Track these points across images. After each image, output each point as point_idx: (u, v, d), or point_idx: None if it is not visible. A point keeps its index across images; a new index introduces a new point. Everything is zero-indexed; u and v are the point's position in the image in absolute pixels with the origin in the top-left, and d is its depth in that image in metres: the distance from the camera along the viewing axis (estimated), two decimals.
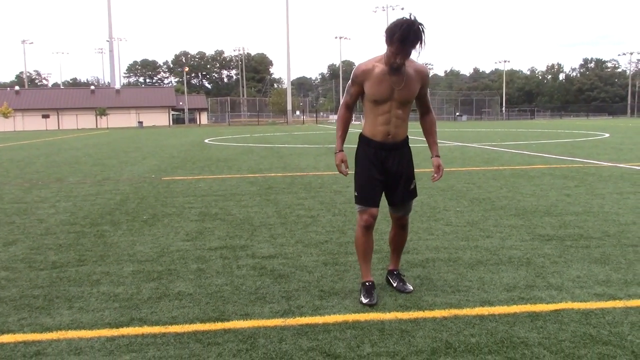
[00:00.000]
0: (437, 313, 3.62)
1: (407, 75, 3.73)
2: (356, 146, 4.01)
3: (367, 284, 3.92)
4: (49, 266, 4.87)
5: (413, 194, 4.07)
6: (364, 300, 3.80)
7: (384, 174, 3.92)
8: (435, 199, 7.94)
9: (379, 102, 3.78)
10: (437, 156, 4.05)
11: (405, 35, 3.50)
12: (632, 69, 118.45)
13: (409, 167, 3.99)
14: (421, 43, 3.56)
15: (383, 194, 4.03)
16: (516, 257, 4.89)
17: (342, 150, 3.94)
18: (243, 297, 3.99)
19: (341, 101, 4.01)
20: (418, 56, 3.65)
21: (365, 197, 3.90)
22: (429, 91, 4.02)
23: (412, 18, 3.52)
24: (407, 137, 3.97)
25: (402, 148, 3.94)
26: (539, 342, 3.16)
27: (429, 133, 4.09)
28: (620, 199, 7.74)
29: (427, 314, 3.62)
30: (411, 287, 4.11)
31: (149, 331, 3.41)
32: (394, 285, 4.16)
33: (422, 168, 10.52)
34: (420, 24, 3.52)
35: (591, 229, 5.89)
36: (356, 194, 3.94)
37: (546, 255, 4.92)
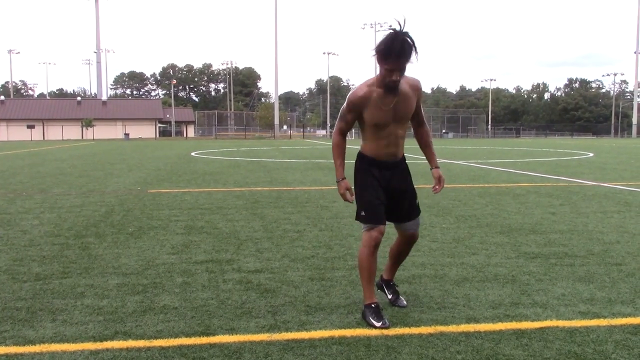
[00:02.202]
0: (423, 329, 3.62)
1: (403, 92, 3.72)
2: (354, 163, 3.99)
3: (373, 305, 3.75)
4: (33, 278, 4.82)
5: (418, 209, 4.10)
6: (377, 324, 3.64)
7: (389, 192, 3.91)
8: (422, 215, 7.94)
9: (381, 126, 3.77)
10: (437, 167, 4.08)
11: (398, 48, 3.45)
12: (616, 89, 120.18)
13: (411, 183, 4.05)
14: (415, 52, 3.53)
15: (391, 214, 4.01)
16: (502, 274, 4.91)
17: (345, 178, 3.88)
18: (229, 311, 3.97)
19: (335, 126, 3.92)
20: (415, 61, 3.59)
21: (374, 214, 3.81)
22: (423, 107, 4.02)
23: (400, 29, 3.49)
24: (404, 153, 4.02)
25: (402, 164, 3.99)
26: None
27: (426, 145, 4.11)
28: (604, 217, 7.81)
29: (413, 330, 3.62)
30: (405, 302, 4.13)
31: (133, 345, 3.38)
32: (389, 297, 4.18)
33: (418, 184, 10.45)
34: (408, 34, 3.50)
35: (576, 247, 5.93)
36: (363, 213, 3.83)
37: (531, 273, 4.95)
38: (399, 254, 4.22)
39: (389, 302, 4.18)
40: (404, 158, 4.01)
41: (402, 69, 3.55)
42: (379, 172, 3.87)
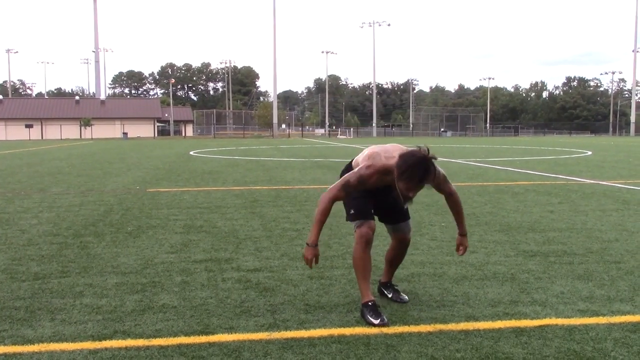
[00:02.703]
0: (423, 328, 3.62)
1: None
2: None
3: (370, 303, 3.75)
4: (31, 277, 4.81)
5: (408, 213, 4.14)
6: (376, 321, 3.63)
7: (380, 203, 4.00)
8: (421, 214, 7.96)
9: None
10: (462, 235, 4.07)
11: (420, 177, 3.45)
12: (614, 88, 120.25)
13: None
14: (435, 176, 3.58)
15: (383, 218, 4.14)
16: (501, 272, 4.91)
17: (318, 245, 3.79)
18: (228, 310, 3.97)
19: (330, 191, 3.82)
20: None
21: (361, 211, 3.86)
22: (446, 179, 3.91)
23: (425, 154, 3.45)
24: None
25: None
26: (523, 358, 3.17)
27: (455, 212, 4.07)
28: (602, 215, 7.81)
29: (413, 328, 3.62)
30: (406, 297, 4.19)
31: (132, 344, 3.38)
32: (389, 296, 4.23)
33: None
34: (431, 161, 3.48)
35: (575, 246, 5.93)
36: (352, 211, 3.87)
37: (530, 271, 4.95)
38: (394, 258, 4.27)
39: (391, 300, 4.20)
40: None
41: (420, 189, 3.56)
42: (368, 190, 3.90)
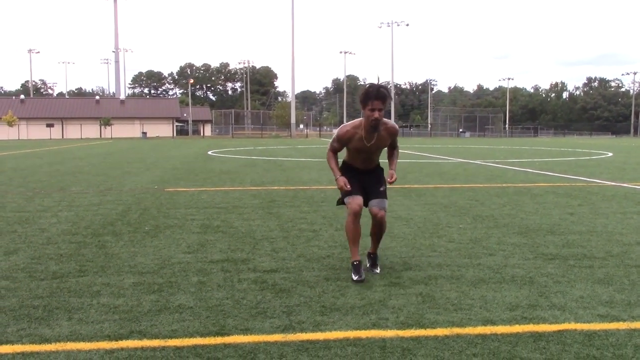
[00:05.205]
0: (439, 331, 3.59)
1: (380, 135, 4.80)
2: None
3: (355, 263, 4.74)
4: (50, 276, 4.85)
5: (384, 194, 4.95)
6: (354, 277, 4.65)
7: (363, 185, 4.92)
8: (438, 215, 7.91)
9: (360, 152, 4.89)
10: (393, 169, 5.00)
11: (374, 92, 4.58)
12: (635, 88, 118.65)
13: (380, 177, 5.03)
14: (389, 97, 4.67)
15: (365, 201, 4.93)
16: (519, 275, 4.86)
17: (342, 175, 4.88)
18: (244, 311, 3.97)
19: (329, 145, 4.95)
20: (389, 104, 4.18)
21: (350, 190, 4.80)
22: (398, 139, 5.10)
23: (377, 82, 4.31)
24: (379, 163, 5.06)
25: (376, 170, 5.07)
26: None
27: (390, 157, 5.13)
28: (623, 218, 7.71)
29: (429, 332, 3.59)
30: (378, 270, 4.96)
31: (148, 344, 3.38)
32: (368, 264, 5.06)
33: (426, 184, 10.53)
34: (382, 84, 4.74)
35: (595, 249, 5.85)
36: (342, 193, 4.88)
37: (549, 275, 4.89)
38: (374, 234, 5.03)
39: (368, 269, 4.98)
40: (378, 165, 5.06)
41: (381, 109, 4.61)
42: (357, 174, 4.96)
